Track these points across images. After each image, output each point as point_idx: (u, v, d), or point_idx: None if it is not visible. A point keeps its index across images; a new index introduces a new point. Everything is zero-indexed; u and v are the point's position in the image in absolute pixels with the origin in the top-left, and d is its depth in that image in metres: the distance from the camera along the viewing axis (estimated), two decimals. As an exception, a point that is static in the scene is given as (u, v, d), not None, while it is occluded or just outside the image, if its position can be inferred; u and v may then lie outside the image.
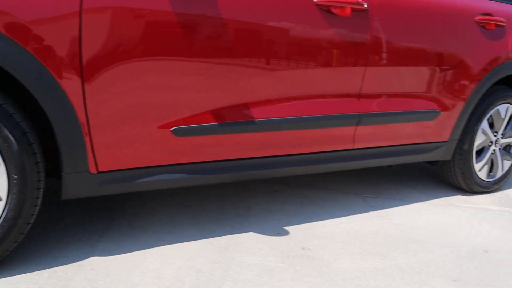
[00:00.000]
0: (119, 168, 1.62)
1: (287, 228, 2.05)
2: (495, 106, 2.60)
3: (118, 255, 1.71)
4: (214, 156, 1.81)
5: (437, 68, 2.27)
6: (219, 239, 1.89)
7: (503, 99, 2.61)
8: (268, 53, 1.77)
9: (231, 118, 1.78)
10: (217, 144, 1.80)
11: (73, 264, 1.64)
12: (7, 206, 1.48)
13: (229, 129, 1.79)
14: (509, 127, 2.75)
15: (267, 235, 1.96)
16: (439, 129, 2.41)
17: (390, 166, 2.60)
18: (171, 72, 1.61)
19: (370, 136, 2.18)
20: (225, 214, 2.14)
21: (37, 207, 1.54)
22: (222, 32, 1.65)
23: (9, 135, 1.42)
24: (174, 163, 1.73)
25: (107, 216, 2.05)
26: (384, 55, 2.07)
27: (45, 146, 1.59)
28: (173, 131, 1.68)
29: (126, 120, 1.58)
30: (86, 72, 1.47)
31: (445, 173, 2.76)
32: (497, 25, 2.45)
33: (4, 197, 1.47)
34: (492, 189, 2.83)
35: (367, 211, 2.34)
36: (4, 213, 1.48)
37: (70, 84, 1.46)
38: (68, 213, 2.05)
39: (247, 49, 1.73)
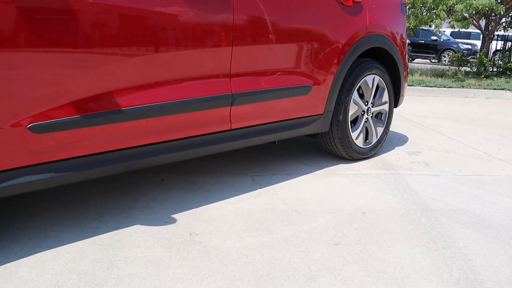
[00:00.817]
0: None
1: (174, 216, 2.02)
2: (363, 78, 2.80)
3: (-14, 271, 1.56)
4: (85, 150, 1.71)
5: (304, 44, 2.38)
6: (102, 237, 1.81)
7: (369, 70, 2.82)
8: (127, 37, 1.72)
9: (95, 109, 1.70)
10: (84, 137, 1.71)
11: None
12: None
13: (95, 121, 1.70)
14: (377, 96, 2.99)
15: (154, 225, 1.92)
16: (313, 102, 2.54)
17: (274, 143, 2.69)
18: (22, 63, 1.49)
19: (246, 115, 2.22)
20: (109, 210, 2.06)
21: None
22: (70, 18, 1.57)
23: None
24: (38, 162, 1.61)
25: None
26: (249, 34, 2.11)
27: None
28: (30, 128, 1.56)
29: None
30: None
31: (326, 144, 2.92)
32: (354, 2, 2.62)
33: None
34: (370, 154, 3.07)
35: (255, 189, 2.40)
36: None
37: None
38: None
39: (102, 34, 1.66)
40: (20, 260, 1.63)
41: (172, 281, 1.53)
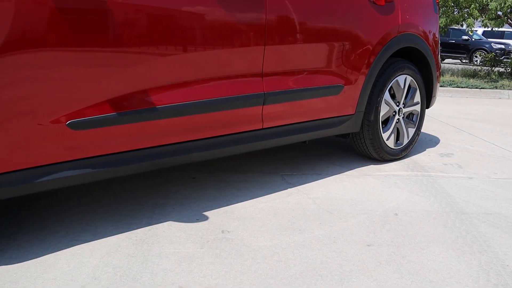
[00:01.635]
0: (11, 170, 1.51)
1: (206, 213, 2.05)
2: (395, 78, 2.77)
3: (27, 261, 1.61)
4: (119, 147, 1.75)
5: (335, 44, 2.37)
6: (136, 232, 1.84)
7: (400, 70, 2.78)
8: (161, 37, 1.75)
9: (130, 107, 1.73)
10: (120, 134, 1.74)
11: (-22, 279, 1.53)
12: None
13: (129, 118, 1.74)
14: (409, 97, 2.95)
15: (186, 222, 1.95)
16: (344, 102, 2.52)
17: (305, 143, 2.68)
18: (60, 63, 1.53)
19: (278, 114, 2.23)
20: (142, 206, 2.10)
21: None
22: (105, 19, 1.60)
23: None
24: (75, 158, 1.66)
25: (15, 221, 1.92)
26: (281, 33, 2.11)
27: None
28: (69, 125, 1.60)
29: (13, 116, 1.47)
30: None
31: (356, 144, 2.90)
32: (386, 1, 2.59)
33: None
34: (401, 156, 3.03)
35: (286, 189, 2.40)
36: None
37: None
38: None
39: (136, 34, 1.69)
40: (58, 252, 1.68)
41: (206, 277, 1.55)
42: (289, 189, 2.40)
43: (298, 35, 2.17)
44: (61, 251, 1.69)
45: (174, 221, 1.95)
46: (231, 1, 1.91)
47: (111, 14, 1.60)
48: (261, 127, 2.17)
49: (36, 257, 1.64)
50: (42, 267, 1.58)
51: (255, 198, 2.25)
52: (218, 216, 2.02)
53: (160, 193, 2.25)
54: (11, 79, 1.43)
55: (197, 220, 1.97)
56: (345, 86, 2.46)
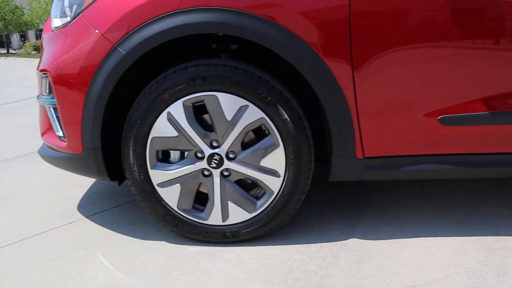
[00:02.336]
0: (384, 155, 1.62)
1: None
2: None
3: (377, 240, 1.72)
4: (481, 148, 1.64)
5: None
6: (483, 239, 1.72)
7: None
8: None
9: (501, 108, 1.58)
10: (485, 134, 1.62)
11: (335, 242, 1.72)
12: (285, 182, 1.64)
13: (500, 119, 1.59)
14: None
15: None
16: None
17: None
18: (440, 60, 1.52)
19: None
20: (485, 213, 1.94)
21: (308, 186, 1.67)
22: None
23: (288, 119, 1.57)
24: (438, 153, 1.64)
25: (359, 201, 2.10)
26: None
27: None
28: (440, 120, 1.59)
29: (392, 107, 1.56)
30: (355, 60, 1.50)
31: None
32: None
33: (282, 175, 1.64)
34: None
35: None
36: (282, 189, 1.65)
37: (341, 71, 1.52)
38: (320, 194, 2.19)
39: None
40: (404, 240, 1.72)
41: None
42: None
43: None
44: (406, 239, 1.73)
45: (530, 237, 1.73)
46: None
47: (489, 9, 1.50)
48: None
49: (385, 239, 1.74)
50: (392, 250, 1.65)
51: None
52: None
53: (507, 204, 2.04)
54: (396, 74, 1.53)
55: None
56: None
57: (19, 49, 36.52)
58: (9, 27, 32.64)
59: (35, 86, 2.18)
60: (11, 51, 32.11)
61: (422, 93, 1.54)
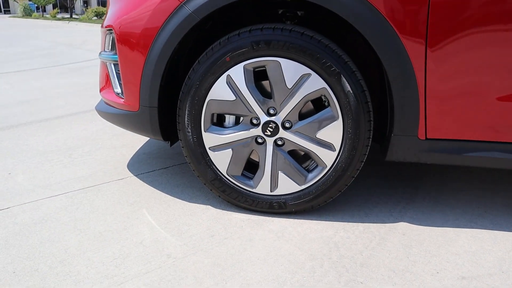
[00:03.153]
0: (448, 138, 1.54)
1: None
2: None
3: (428, 227, 1.66)
4: None
5: None
6: (544, 238, 1.62)
7: None
8: None
9: None
10: None
11: (384, 224, 1.68)
12: (339, 157, 1.60)
13: None
14: None
15: None
16: None
17: None
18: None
19: None
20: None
21: (362, 163, 1.62)
22: None
23: (351, 91, 1.52)
24: (507, 141, 1.54)
25: (411, 186, 2.03)
26: None
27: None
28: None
29: (463, 90, 1.47)
30: (430, 38, 1.42)
31: None
32: None
33: (338, 149, 1.60)
34: None
35: None
36: (335, 163, 1.61)
37: (414, 49, 1.44)
38: (370, 175, 2.13)
39: None
40: (458, 229, 1.65)
41: None
42: None
43: None
44: (460, 228, 1.66)
45: None
46: None
47: None
48: None
49: (437, 226, 1.67)
50: (444, 238, 1.59)
51: None
52: None
53: None
54: (470, 57, 1.44)
55: None
56: None
57: (81, 14, 37.75)
58: (73, -8, 33.67)
59: (93, 50, 2.22)
60: (74, 16, 33.17)
61: (496, 77, 1.44)
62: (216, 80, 1.60)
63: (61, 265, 1.43)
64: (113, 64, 1.90)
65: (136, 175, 2.17)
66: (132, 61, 1.72)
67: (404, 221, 1.70)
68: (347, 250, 1.51)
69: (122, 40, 1.74)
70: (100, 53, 2.03)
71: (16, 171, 2.25)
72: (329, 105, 1.56)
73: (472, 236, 1.61)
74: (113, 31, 1.79)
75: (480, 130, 1.52)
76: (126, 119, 1.86)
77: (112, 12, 1.87)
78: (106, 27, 1.88)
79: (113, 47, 1.87)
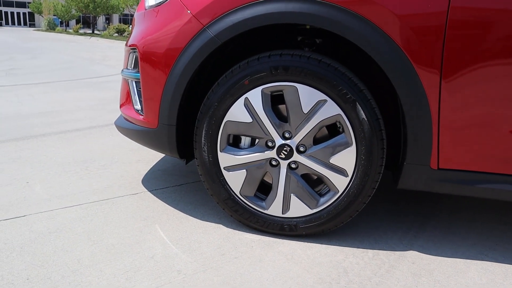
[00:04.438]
0: (460, 169, 1.55)
1: None
2: None
3: (438, 257, 1.66)
4: None
5: None
6: (556, 275, 1.61)
7: None
8: None
9: None
10: None
11: (393, 252, 1.68)
12: (352, 183, 1.62)
13: None
14: None
15: None
16: None
17: None
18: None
19: None
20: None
21: (374, 190, 1.64)
22: None
23: (365, 118, 1.55)
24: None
25: (422, 214, 2.03)
26: None
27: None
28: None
29: (477, 121, 1.49)
30: (445, 69, 1.45)
31: None
32: None
33: (350, 174, 1.62)
34: None
35: None
36: (347, 189, 1.64)
37: (429, 79, 1.47)
38: (381, 201, 2.14)
39: None
40: (468, 261, 1.65)
41: None
42: None
43: None
44: (470, 260, 1.65)
45: None
46: None
47: None
48: None
49: (447, 256, 1.67)
50: (453, 269, 1.58)
51: None
52: None
53: None
54: (485, 89, 1.46)
55: None
56: None
57: (103, 30, 38.68)
58: (97, 9, 34.54)
59: (113, 65, 2.29)
60: (96, 31, 34.00)
61: (510, 110, 1.46)
62: (234, 102, 1.65)
63: (73, 274, 1.46)
64: (135, 81, 1.96)
65: (150, 191, 2.21)
66: (154, 79, 1.77)
67: (414, 250, 1.70)
68: (356, 276, 1.51)
69: (145, 59, 1.80)
70: (122, 70, 2.10)
71: (34, 180, 2.31)
72: (343, 131, 1.59)
73: (483, 268, 1.60)
74: (136, 50, 1.85)
75: (493, 162, 1.53)
76: (145, 136, 1.91)
77: (136, 32, 1.95)
78: (130, 46, 1.95)
79: (135, 65, 1.93)
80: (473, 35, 1.42)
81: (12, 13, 65.55)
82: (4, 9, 64.39)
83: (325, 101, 1.56)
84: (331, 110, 1.56)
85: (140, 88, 1.88)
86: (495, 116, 1.47)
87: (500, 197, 1.58)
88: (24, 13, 66.59)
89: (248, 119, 1.65)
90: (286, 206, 1.71)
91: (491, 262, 1.65)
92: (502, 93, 1.45)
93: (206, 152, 1.74)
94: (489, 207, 2.16)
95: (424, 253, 1.68)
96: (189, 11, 1.67)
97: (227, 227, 1.84)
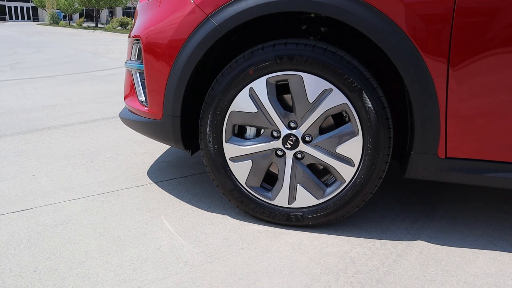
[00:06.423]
0: (468, 158, 1.54)
1: None
2: None
3: (446, 246, 1.65)
4: None
5: None
6: None
7: None
8: None
9: None
10: None
11: (401, 242, 1.67)
12: (358, 173, 1.61)
13: None
14: None
15: None
16: None
17: None
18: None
19: None
20: None
21: (381, 180, 1.62)
22: None
23: (372, 107, 1.53)
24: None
25: (429, 204, 2.01)
26: None
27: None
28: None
29: (485, 110, 1.47)
30: (453, 57, 1.43)
31: None
32: None
33: (357, 164, 1.60)
34: None
35: None
36: (354, 179, 1.62)
37: (436, 67, 1.45)
38: (388, 191, 2.12)
39: None
40: (476, 250, 1.63)
41: None
42: None
43: None
44: (479, 250, 1.64)
45: None
46: None
47: None
48: None
49: (455, 246, 1.66)
50: (462, 259, 1.57)
51: None
52: None
53: None
54: (492, 78, 1.44)
55: None
56: None
57: (106, 23, 38.66)
58: (100, 2, 34.48)
59: (117, 58, 2.28)
60: (99, 25, 33.98)
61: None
62: (239, 92, 1.63)
63: (80, 266, 1.46)
64: (139, 73, 1.95)
65: (156, 182, 2.21)
66: (158, 70, 1.76)
67: (422, 240, 1.69)
68: (363, 266, 1.50)
69: (149, 50, 1.79)
70: (126, 61, 2.09)
71: (40, 173, 2.31)
72: (349, 120, 1.57)
73: (491, 258, 1.59)
74: (140, 41, 1.84)
75: (501, 151, 1.51)
76: (149, 127, 1.90)
77: (139, 22, 1.93)
78: (133, 37, 1.94)
79: (139, 56, 1.92)
80: (481, 22, 1.39)
81: (16, 7, 65.68)
82: (8, 3, 64.50)
83: (331, 90, 1.54)
84: (337, 99, 1.54)
85: (144, 80, 1.87)
86: (503, 105, 1.45)
87: (509, 186, 1.56)
88: (27, 8, 66.70)
89: (253, 109, 1.63)
90: (292, 196, 1.70)
91: (500, 251, 1.64)
92: (510, 82, 1.43)
93: (211, 143, 1.73)
94: (497, 196, 2.14)
95: (431, 243, 1.67)
96: (192, 1, 1.65)
97: (233, 218, 1.84)
